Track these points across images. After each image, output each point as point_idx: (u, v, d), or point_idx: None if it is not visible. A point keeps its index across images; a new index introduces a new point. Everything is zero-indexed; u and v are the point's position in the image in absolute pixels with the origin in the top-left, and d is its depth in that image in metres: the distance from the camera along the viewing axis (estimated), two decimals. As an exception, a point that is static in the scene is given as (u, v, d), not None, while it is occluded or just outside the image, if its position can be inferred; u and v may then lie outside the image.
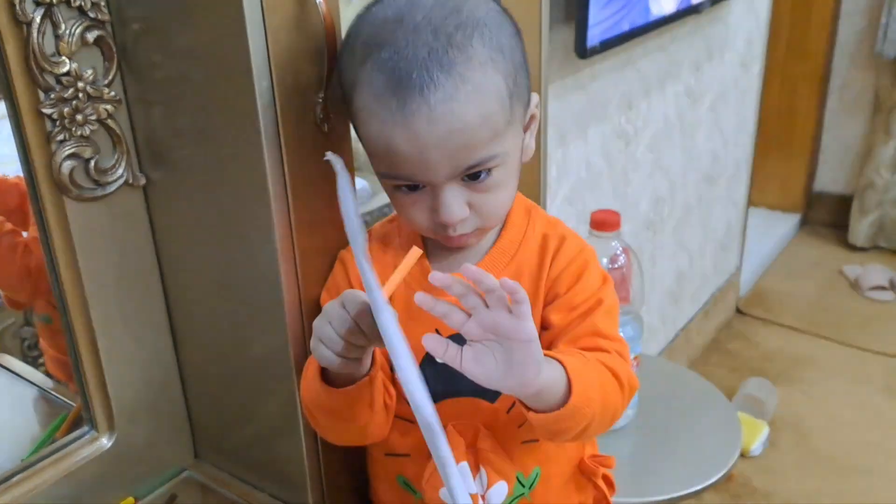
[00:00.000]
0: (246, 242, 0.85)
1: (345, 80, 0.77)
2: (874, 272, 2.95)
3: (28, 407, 1.18)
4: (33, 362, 1.22)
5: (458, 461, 0.81)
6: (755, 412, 2.25)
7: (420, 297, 0.66)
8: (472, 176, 0.74)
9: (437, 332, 0.77)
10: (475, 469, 0.83)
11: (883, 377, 2.49)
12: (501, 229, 0.85)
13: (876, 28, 2.91)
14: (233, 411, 0.99)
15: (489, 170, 0.75)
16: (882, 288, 2.89)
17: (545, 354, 0.69)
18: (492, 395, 0.82)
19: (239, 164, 0.81)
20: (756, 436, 2.16)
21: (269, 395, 0.94)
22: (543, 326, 0.81)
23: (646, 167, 2.00)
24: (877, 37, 2.89)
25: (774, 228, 3.26)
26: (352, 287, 0.81)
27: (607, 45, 1.50)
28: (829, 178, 3.32)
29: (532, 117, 0.81)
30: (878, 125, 3.03)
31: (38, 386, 1.17)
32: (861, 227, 3.13)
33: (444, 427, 0.72)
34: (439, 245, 0.84)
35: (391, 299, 0.70)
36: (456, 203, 0.75)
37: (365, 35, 0.74)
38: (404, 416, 0.84)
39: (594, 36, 1.45)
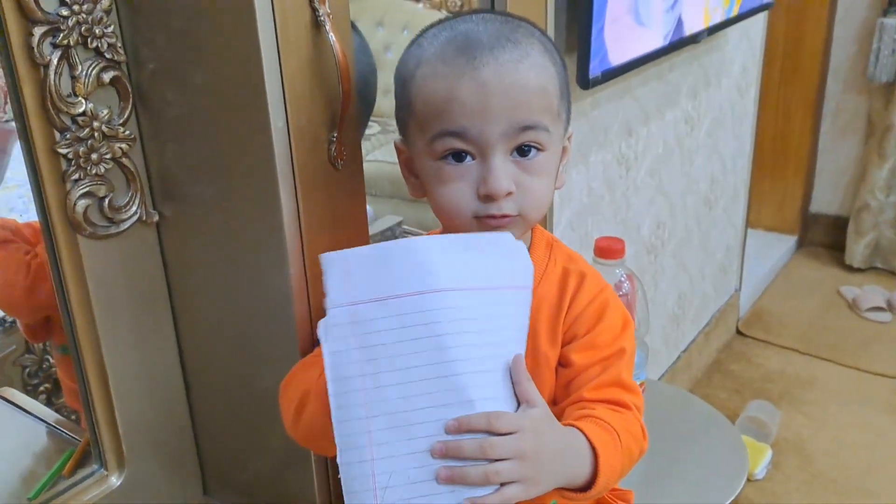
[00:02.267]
0: (259, 278, 0.86)
1: (405, 68, 0.80)
2: (871, 293, 2.97)
3: (32, 442, 1.17)
4: (34, 391, 1.22)
5: None
6: (758, 435, 2.25)
7: None
8: (521, 151, 0.76)
9: None
10: None
11: (884, 398, 2.49)
12: None
13: (867, 53, 2.94)
14: (242, 446, 0.99)
15: (537, 147, 0.77)
16: (880, 309, 2.90)
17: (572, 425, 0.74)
18: None
19: (253, 202, 0.82)
20: (760, 459, 2.16)
21: (279, 428, 0.94)
22: (563, 364, 0.82)
23: (646, 192, 2.01)
24: (868, 61, 2.93)
25: (772, 250, 3.28)
26: None
27: (608, 75, 1.52)
28: (825, 200, 3.34)
29: (566, 149, 0.84)
30: (871, 148, 3.05)
31: (43, 420, 1.17)
32: (857, 249, 3.15)
33: None
34: None
35: None
36: (504, 173, 0.75)
37: (434, 31, 0.79)
38: None
39: (595, 66, 1.47)
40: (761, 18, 2.42)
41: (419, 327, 0.67)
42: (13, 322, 1.20)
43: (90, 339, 0.88)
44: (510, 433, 0.67)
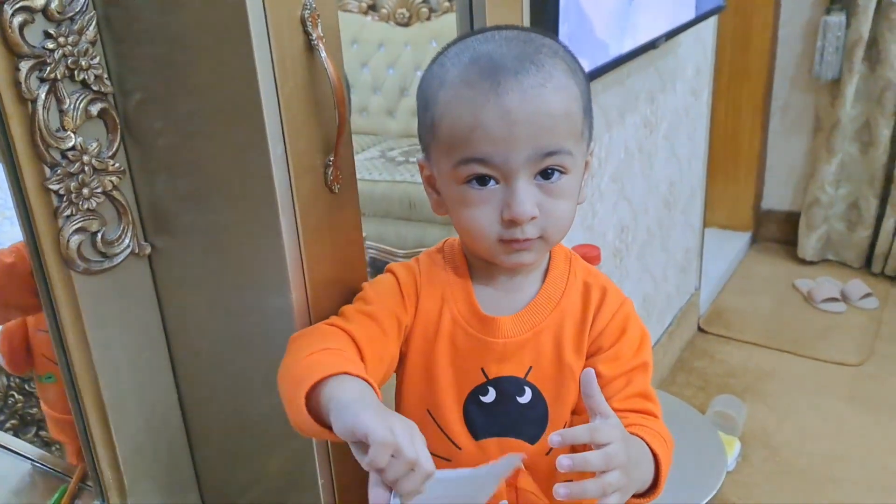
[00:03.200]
0: (258, 304, 0.86)
1: (428, 88, 0.79)
2: (825, 285, 3.05)
3: (14, 480, 1.15)
4: (-1, 428, 1.19)
5: (498, 499, 0.85)
6: (726, 428, 2.30)
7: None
8: (544, 174, 0.76)
9: (483, 371, 0.82)
10: None
11: (843, 387, 2.57)
12: (545, 275, 0.86)
13: (812, 52, 3.03)
14: (243, 474, 0.98)
15: (560, 170, 0.77)
16: (834, 300, 2.99)
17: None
18: (532, 437, 0.85)
19: (251, 229, 0.82)
20: (729, 452, 2.21)
21: (279, 456, 0.93)
22: None
23: (610, 197, 2.05)
24: (814, 60, 3.02)
25: (727, 248, 3.35)
26: (402, 294, 0.84)
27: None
28: (777, 197, 3.43)
29: (587, 163, 0.84)
30: (819, 144, 3.14)
31: (25, 457, 1.15)
32: (809, 242, 3.23)
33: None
34: (486, 280, 0.85)
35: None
36: (528, 198, 0.76)
37: (456, 51, 0.79)
38: (443, 455, 0.86)
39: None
40: (712, 21, 2.47)
41: None
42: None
43: (87, 374, 0.87)
44: (608, 443, 0.68)
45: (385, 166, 2.65)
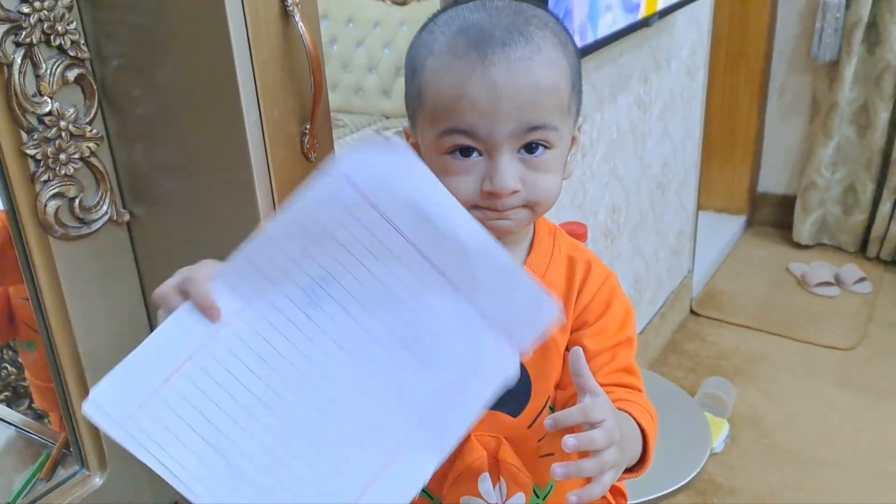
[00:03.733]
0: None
1: (416, 55, 0.78)
2: (819, 269, 3.06)
3: (2, 448, 1.15)
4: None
5: (480, 470, 0.85)
6: (715, 410, 2.31)
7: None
8: (528, 148, 0.76)
9: None
10: (495, 479, 0.86)
11: (835, 370, 2.58)
12: (529, 249, 0.86)
13: (811, 33, 3.01)
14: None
15: (545, 145, 0.76)
16: (828, 284, 2.99)
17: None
18: (514, 410, 0.85)
19: (227, 197, 0.82)
20: (718, 433, 2.22)
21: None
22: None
23: (602, 177, 2.05)
24: (812, 41, 3.00)
25: (722, 230, 3.35)
26: None
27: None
28: (772, 180, 3.43)
29: (575, 139, 0.83)
30: (816, 127, 3.14)
31: (10, 424, 1.16)
32: (805, 226, 3.23)
33: (468, 437, 0.77)
34: None
35: None
36: (511, 171, 0.75)
37: (445, 18, 0.78)
38: None
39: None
40: (708, 1, 2.46)
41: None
42: (-31, 334, 1.18)
43: (66, 339, 0.87)
44: (602, 421, 0.67)
45: (379, 144, 2.64)
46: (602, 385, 0.79)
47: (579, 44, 1.58)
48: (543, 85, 0.74)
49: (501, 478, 0.86)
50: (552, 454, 0.88)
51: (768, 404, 2.43)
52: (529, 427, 0.85)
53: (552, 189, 0.79)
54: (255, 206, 0.79)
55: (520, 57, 0.73)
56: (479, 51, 0.73)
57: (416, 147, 0.83)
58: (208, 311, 0.63)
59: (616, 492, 0.97)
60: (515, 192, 0.76)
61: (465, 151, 0.76)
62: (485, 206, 0.77)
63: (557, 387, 0.86)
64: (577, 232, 1.41)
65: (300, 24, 0.77)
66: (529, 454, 0.87)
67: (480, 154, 0.76)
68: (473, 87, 0.73)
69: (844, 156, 3.11)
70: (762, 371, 2.59)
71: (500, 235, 0.82)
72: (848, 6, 2.88)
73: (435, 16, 0.80)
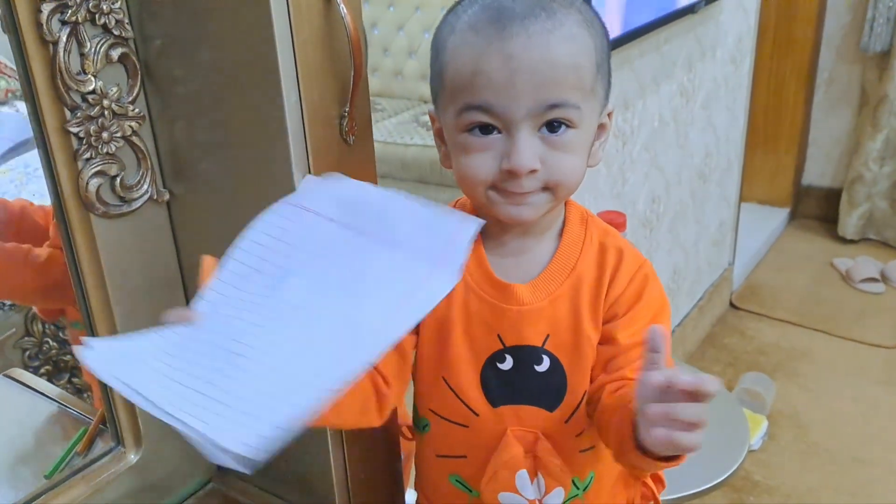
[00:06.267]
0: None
1: (439, 35, 0.78)
2: (864, 264, 2.99)
3: (43, 421, 1.18)
4: (35, 373, 1.22)
5: (517, 468, 0.84)
6: (754, 406, 2.28)
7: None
8: (550, 127, 0.74)
9: (500, 337, 0.82)
10: (533, 475, 0.85)
11: (878, 369, 2.52)
12: (560, 236, 0.84)
13: (861, 23, 2.94)
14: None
15: (567, 124, 0.74)
16: (873, 280, 2.93)
17: None
18: (551, 405, 0.84)
19: (265, 178, 0.82)
20: (756, 430, 2.19)
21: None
22: (605, 341, 0.83)
23: (642, 166, 2.02)
24: (863, 31, 2.93)
25: (764, 223, 3.30)
26: None
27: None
28: (818, 172, 3.36)
29: (604, 126, 0.81)
30: (864, 119, 3.07)
31: (53, 399, 1.18)
32: (850, 220, 3.17)
33: (504, 432, 0.78)
34: (498, 242, 0.83)
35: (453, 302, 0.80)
36: (529, 149, 0.73)
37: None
38: (459, 422, 0.86)
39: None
40: (756, -11, 2.42)
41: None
42: (12, 305, 1.20)
43: (105, 316, 0.88)
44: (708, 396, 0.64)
45: (417, 130, 2.64)
46: (632, 379, 0.78)
47: (620, 31, 1.55)
48: (563, 61, 0.72)
49: (539, 473, 0.85)
50: (593, 447, 0.87)
51: (808, 402, 2.39)
52: (566, 422, 0.85)
53: (574, 171, 0.77)
54: (293, 187, 0.79)
55: (538, 31, 0.71)
56: (497, 24, 0.72)
57: (439, 131, 0.82)
58: (185, 317, 0.71)
59: (655, 479, 0.96)
60: (534, 171, 0.74)
61: (485, 129, 0.74)
62: (504, 187, 0.75)
63: (592, 380, 0.84)
64: (615, 221, 1.39)
65: (342, 6, 0.76)
66: (567, 449, 0.86)
67: (500, 131, 0.74)
68: (490, 60, 0.71)
69: (893, 149, 3.03)
70: (803, 368, 2.54)
71: (522, 225, 0.80)
72: (902, -5, 2.81)
73: None
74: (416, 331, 0.85)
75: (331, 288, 0.72)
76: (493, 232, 0.82)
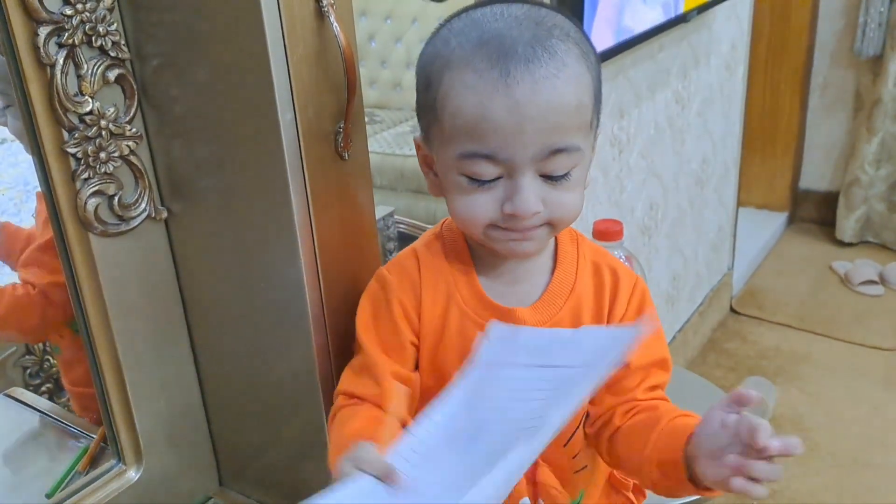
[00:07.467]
0: (270, 270, 0.87)
1: (431, 65, 0.75)
2: (863, 267, 3.00)
3: (44, 439, 1.18)
4: (36, 391, 1.23)
5: (519, 497, 0.84)
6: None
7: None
8: (552, 177, 0.73)
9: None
10: (534, 502, 0.85)
11: (879, 371, 2.52)
12: (555, 260, 0.84)
13: (854, 27, 2.96)
14: (257, 437, 1.00)
15: (568, 173, 0.74)
16: (872, 282, 2.93)
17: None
18: None
19: (262, 195, 0.83)
20: (758, 434, 2.19)
21: (293, 419, 0.95)
22: None
23: (639, 173, 2.03)
24: (855, 36, 2.94)
25: (762, 227, 3.30)
26: (403, 317, 0.82)
27: (603, 56, 1.53)
28: (815, 176, 3.37)
29: (592, 148, 0.80)
30: (860, 122, 3.08)
31: (54, 418, 1.18)
32: (848, 223, 3.17)
33: None
34: (491, 266, 0.82)
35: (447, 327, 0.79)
36: (533, 194, 0.73)
37: (461, 26, 0.74)
38: None
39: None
40: (748, -4, 2.43)
41: None
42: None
43: (105, 335, 0.89)
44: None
45: (415, 142, 2.65)
46: (640, 401, 0.80)
47: (613, 41, 1.56)
48: (569, 105, 0.71)
49: (540, 500, 0.85)
50: (586, 466, 0.88)
51: (810, 405, 2.39)
52: (565, 445, 0.85)
53: (574, 206, 0.77)
54: (289, 203, 0.80)
55: (544, 75, 0.70)
56: (501, 68, 0.69)
57: (427, 159, 0.80)
58: (391, 477, 0.64)
59: (637, 490, 0.97)
60: (536, 213, 0.74)
61: (486, 173, 0.73)
62: (505, 226, 0.75)
63: (591, 402, 0.85)
64: (612, 230, 1.40)
65: (335, 24, 0.77)
66: (564, 471, 0.87)
67: (500, 176, 0.73)
68: (496, 108, 0.70)
69: (889, 152, 3.04)
70: (804, 371, 2.54)
71: (521, 257, 0.81)
72: (892, 0, 2.82)
73: (448, 21, 0.77)
74: (416, 365, 0.85)
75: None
76: (487, 255, 0.82)
